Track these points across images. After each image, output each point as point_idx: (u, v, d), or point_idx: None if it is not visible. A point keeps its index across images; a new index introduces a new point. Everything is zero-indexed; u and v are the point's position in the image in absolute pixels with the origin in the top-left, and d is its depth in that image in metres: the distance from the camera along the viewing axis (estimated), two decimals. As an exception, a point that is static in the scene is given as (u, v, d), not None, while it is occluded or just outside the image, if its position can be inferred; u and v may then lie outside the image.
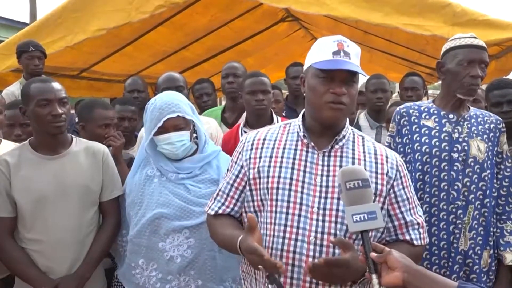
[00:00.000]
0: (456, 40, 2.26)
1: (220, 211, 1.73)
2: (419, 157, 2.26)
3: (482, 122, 2.30)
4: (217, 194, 1.77)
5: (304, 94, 1.71)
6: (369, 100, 3.72)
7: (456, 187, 2.21)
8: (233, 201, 1.72)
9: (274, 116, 3.01)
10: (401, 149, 2.33)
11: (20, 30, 5.61)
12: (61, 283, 2.13)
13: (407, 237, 1.66)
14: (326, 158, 1.64)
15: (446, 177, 2.22)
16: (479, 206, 2.23)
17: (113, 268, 2.48)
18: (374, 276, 1.29)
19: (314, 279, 1.51)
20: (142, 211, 2.18)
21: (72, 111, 5.81)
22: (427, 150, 2.25)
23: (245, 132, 2.90)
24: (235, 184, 1.72)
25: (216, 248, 2.14)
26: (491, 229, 2.27)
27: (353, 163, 1.63)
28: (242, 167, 1.72)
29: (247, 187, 1.68)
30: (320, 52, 1.62)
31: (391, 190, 1.64)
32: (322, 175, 1.61)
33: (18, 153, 2.19)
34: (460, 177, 2.21)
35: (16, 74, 4.86)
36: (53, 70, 5.23)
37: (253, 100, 2.93)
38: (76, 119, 5.05)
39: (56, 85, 2.20)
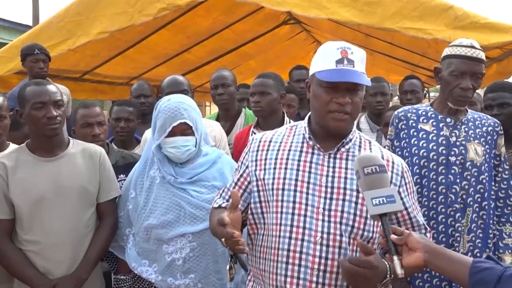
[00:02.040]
0: (454, 47, 2.25)
1: (224, 205, 1.76)
2: (417, 161, 2.28)
3: (479, 125, 2.31)
4: (223, 191, 1.80)
5: (309, 99, 1.72)
6: (369, 103, 3.72)
7: (454, 190, 2.22)
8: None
9: (286, 118, 2.99)
10: (399, 153, 2.34)
11: (23, 32, 5.65)
12: (59, 284, 2.14)
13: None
14: (331, 160, 1.65)
15: (444, 181, 2.23)
16: (477, 209, 2.25)
17: (110, 272, 2.49)
18: (395, 258, 1.32)
19: (345, 277, 1.48)
20: (146, 215, 2.20)
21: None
22: (425, 154, 2.26)
23: (254, 133, 2.91)
24: (239, 183, 1.74)
25: (219, 252, 2.16)
26: (490, 231, 2.28)
27: None
28: (247, 167, 1.74)
29: (255, 188, 1.69)
30: (324, 60, 1.61)
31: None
32: (327, 176, 1.62)
33: (15, 156, 2.21)
34: (458, 180, 2.22)
35: (19, 77, 4.88)
36: (56, 72, 5.25)
37: (251, 102, 2.96)
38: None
39: (51, 87, 2.21)
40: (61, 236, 2.17)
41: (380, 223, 1.40)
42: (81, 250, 2.23)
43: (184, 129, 2.18)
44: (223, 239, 1.46)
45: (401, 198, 1.64)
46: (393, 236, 1.34)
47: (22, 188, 2.14)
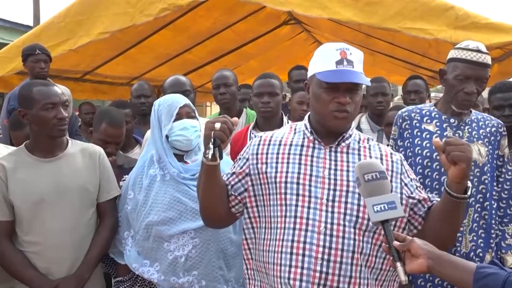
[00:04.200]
0: (460, 51, 2.23)
1: None
2: (420, 161, 2.28)
3: (483, 126, 2.31)
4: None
5: (309, 99, 1.74)
6: (370, 103, 3.72)
7: None
8: (229, 185, 1.76)
9: (285, 119, 2.99)
10: (403, 153, 2.34)
11: (24, 33, 5.65)
12: (61, 284, 2.13)
13: (435, 201, 1.70)
14: (333, 154, 1.68)
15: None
16: (479, 209, 2.25)
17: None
18: (398, 264, 1.32)
19: (468, 150, 1.51)
20: (146, 212, 2.19)
21: (76, 113, 5.86)
22: (428, 154, 2.27)
23: (254, 133, 2.91)
24: (236, 173, 1.77)
25: (222, 247, 2.16)
26: (493, 231, 2.28)
27: (359, 160, 1.67)
28: (247, 159, 1.76)
29: (257, 181, 1.72)
30: (324, 61, 1.64)
31: (402, 183, 1.68)
32: (330, 168, 1.65)
33: (14, 157, 2.20)
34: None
35: (20, 77, 4.89)
36: (57, 72, 5.25)
37: (259, 102, 2.91)
38: (79, 122, 5.09)
39: (58, 89, 2.23)
40: (62, 236, 2.17)
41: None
42: (82, 250, 2.22)
43: (189, 112, 2.25)
44: (218, 124, 1.55)
45: (405, 184, 1.67)
46: (395, 243, 1.34)
47: (23, 189, 2.14)
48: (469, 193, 1.55)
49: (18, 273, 2.15)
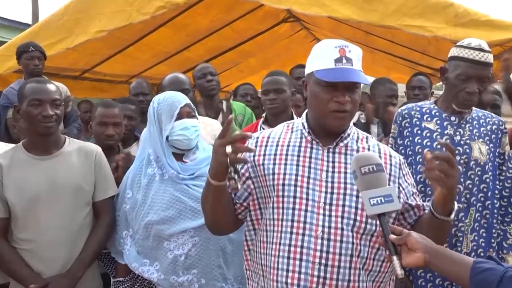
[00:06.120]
0: (462, 49, 2.19)
1: None
2: (420, 160, 2.26)
3: (484, 124, 2.29)
4: None
5: (306, 97, 1.72)
6: (382, 103, 3.75)
7: (457, 189, 2.19)
8: (233, 194, 1.74)
9: (294, 116, 3.00)
10: (402, 151, 2.32)
11: (22, 31, 5.64)
12: (52, 282, 2.12)
13: (427, 210, 1.65)
14: (331, 155, 1.65)
15: None
16: (480, 208, 2.23)
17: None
18: (395, 258, 1.30)
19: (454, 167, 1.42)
20: (145, 211, 2.18)
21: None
22: None
23: (263, 128, 2.93)
24: None
25: (221, 246, 2.16)
26: (494, 231, 2.26)
27: None
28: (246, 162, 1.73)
29: (258, 184, 1.69)
30: (322, 59, 1.60)
31: (400, 187, 1.65)
32: (327, 171, 1.62)
33: (10, 155, 2.21)
34: (462, 179, 2.20)
35: (18, 75, 4.87)
36: (55, 71, 5.24)
37: (266, 100, 2.96)
38: (79, 118, 5.09)
39: (51, 86, 2.22)
40: (56, 234, 2.16)
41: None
42: (76, 249, 2.21)
43: (189, 112, 2.24)
44: (229, 148, 1.45)
45: (403, 189, 1.65)
46: (392, 236, 1.33)
47: (17, 186, 2.14)
48: (452, 216, 1.50)
49: (11, 270, 2.15)
